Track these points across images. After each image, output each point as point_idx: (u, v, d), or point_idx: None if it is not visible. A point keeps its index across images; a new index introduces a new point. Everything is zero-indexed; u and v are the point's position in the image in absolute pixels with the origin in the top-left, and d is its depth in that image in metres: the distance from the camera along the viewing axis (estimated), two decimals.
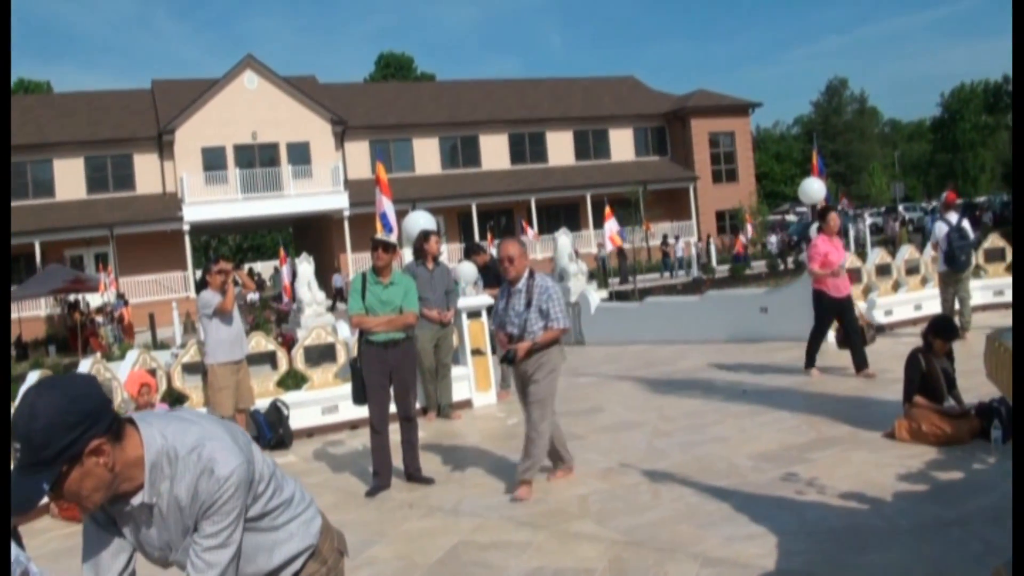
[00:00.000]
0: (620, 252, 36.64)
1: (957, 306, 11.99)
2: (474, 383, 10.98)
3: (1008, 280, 14.29)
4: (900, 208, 50.38)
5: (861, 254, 15.84)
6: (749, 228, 43.51)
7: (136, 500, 2.22)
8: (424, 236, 9.97)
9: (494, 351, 11.38)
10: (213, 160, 40.45)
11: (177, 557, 2.34)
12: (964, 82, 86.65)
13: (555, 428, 6.89)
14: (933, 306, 12.77)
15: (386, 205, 12.75)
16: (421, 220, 11.10)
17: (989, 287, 14.46)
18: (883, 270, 14.09)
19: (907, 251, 14.86)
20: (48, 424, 2.00)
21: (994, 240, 15.16)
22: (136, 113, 41.60)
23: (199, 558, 2.25)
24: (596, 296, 17.89)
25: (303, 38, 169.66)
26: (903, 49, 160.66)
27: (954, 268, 11.74)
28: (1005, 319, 12.50)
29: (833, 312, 10.30)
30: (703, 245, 42.77)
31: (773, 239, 42.59)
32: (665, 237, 42.55)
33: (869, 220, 45.93)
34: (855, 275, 13.65)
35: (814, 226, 13.41)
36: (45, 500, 7.12)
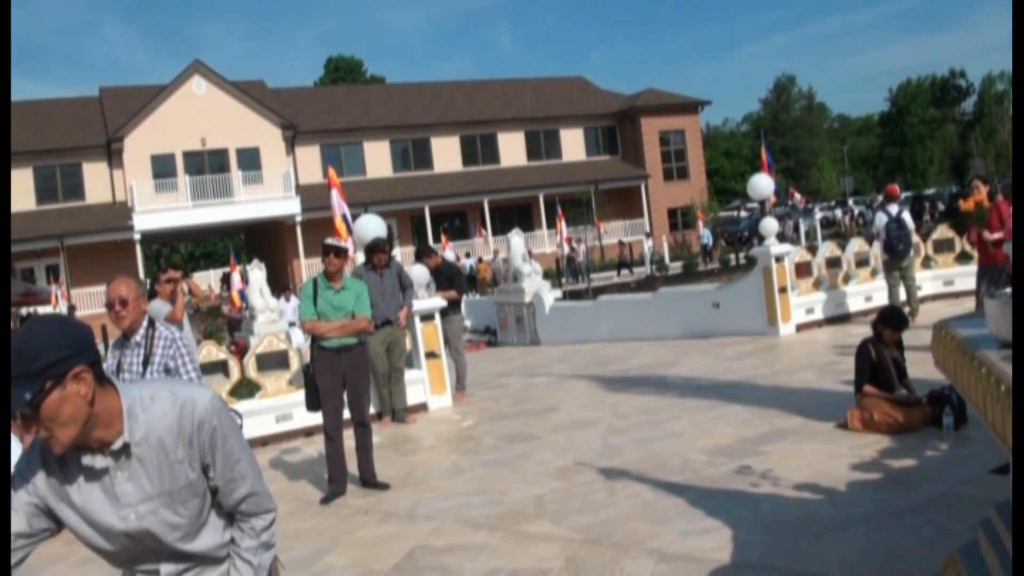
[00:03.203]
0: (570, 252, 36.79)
1: (904, 295, 12.31)
2: (429, 386, 10.91)
3: (956, 270, 14.58)
4: (850, 202, 50.97)
5: (811, 248, 15.97)
6: (701, 225, 43.80)
7: (116, 444, 2.23)
8: (371, 248, 9.89)
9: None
10: (162, 167, 39.93)
11: (146, 524, 2.30)
12: (911, 77, 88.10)
13: None
14: (883, 297, 12.93)
15: (345, 208, 12.73)
16: (371, 224, 10.99)
17: (939, 277, 14.67)
18: (833, 263, 14.23)
19: (856, 244, 15.03)
20: (40, 340, 2.11)
21: (943, 231, 15.38)
22: (84, 121, 40.95)
23: (235, 483, 2.40)
24: (550, 296, 17.91)
25: (252, 42, 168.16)
26: (850, 46, 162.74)
27: (893, 257, 12.27)
28: (954, 308, 12.73)
29: None
30: (655, 243, 42.95)
31: (706, 231, 42.85)
32: (620, 242, 42.62)
33: (820, 214, 46.39)
34: (806, 269, 13.80)
35: (765, 219, 13.55)
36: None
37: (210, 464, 2.35)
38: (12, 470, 2.34)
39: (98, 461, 2.25)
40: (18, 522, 2.24)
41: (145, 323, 5.03)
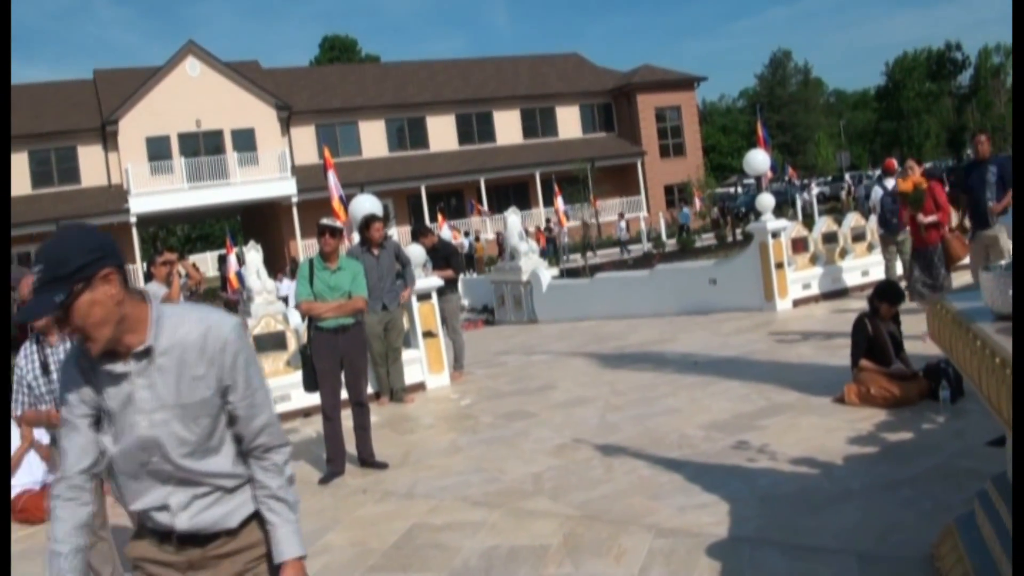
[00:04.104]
0: (549, 233, 36.67)
1: (900, 270, 12.27)
2: (427, 365, 10.91)
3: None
4: (847, 176, 50.92)
5: (808, 224, 15.98)
6: (697, 201, 43.77)
7: (140, 347, 2.32)
8: (366, 223, 9.80)
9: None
10: (158, 150, 39.82)
11: (157, 432, 2.35)
12: (907, 51, 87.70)
13: None
14: (880, 272, 12.91)
15: (340, 189, 12.73)
16: (367, 204, 10.95)
17: None
18: (829, 238, 14.23)
19: (852, 219, 15.00)
20: (67, 245, 2.23)
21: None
22: (79, 104, 40.77)
23: (256, 409, 2.49)
24: (547, 274, 17.90)
25: (246, 22, 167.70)
26: (846, 19, 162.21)
27: (888, 231, 12.14)
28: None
29: None
30: (652, 220, 42.97)
31: (684, 211, 43.06)
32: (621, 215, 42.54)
33: (816, 189, 46.36)
34: (802, 244, 13.80)
35: (762, 195, 13.53)
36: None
37: (231, 386, 2.43)
38: (58, 390, 2.57)
39: (119, 367, 2.33)
40: (86, 435, 2.41)
41: None
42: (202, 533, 2.44)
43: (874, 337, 7.28)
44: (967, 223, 9.96)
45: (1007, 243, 9.52)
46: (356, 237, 10.61)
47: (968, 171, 10.21)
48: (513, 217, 18.04)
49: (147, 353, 2.33)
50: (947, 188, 13.46)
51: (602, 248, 40.57)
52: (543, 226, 37.56)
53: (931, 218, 9.69)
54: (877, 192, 12.50)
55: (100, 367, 2.34)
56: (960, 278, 10.94)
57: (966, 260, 10.47)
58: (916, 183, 9.70)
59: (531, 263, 17.76)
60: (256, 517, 2.54)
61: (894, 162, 13.71)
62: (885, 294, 7.50)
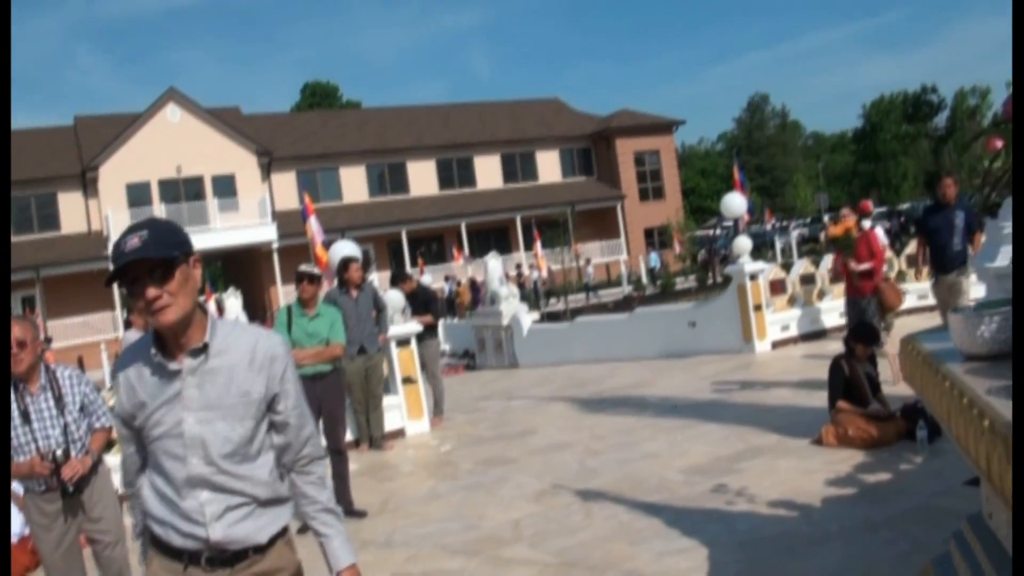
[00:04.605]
0: (519, 277, 36.60)
1: None
2: (406, 412, 10.86)
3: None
4: (825, 218, 51.22)
5: (787, 265, 16.06)
6: (677, 244, 43.96)
7: (198, 343, 2.46)
8: (343, 264, 9.79)
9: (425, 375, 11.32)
10: (138, 196, 39.76)
11: (200, 431, 2.46)
12: (884, 94, 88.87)
13: None
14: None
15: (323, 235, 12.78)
16: (346, 249, 10.96)
17: (913, 291, 14.70)
18: (807, 279, 14.30)
19: (830, 260, 15.07)
20: (172, 226, 2.50)
21: (915, 246, 15.44)
22: (59, 151, 40.72)
23: (304, 419, 2.69)
24: (528, 318, 17.90)
25: (227, 69, 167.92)
26: (823, 64, 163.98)
27: None
28: (928, 321, 12.77)
29: None
30: (632, 263, 43.11)
31: (653, 255, 43.53)
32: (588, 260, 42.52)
33: (796, 231, 46.68)
34: (780, 286, 13.86)
35: (739, 238, 13.61)
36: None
37: (280, 395, 2.58)
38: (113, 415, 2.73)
39: (173, 364, 2.46)
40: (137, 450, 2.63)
41: (42, 366, 4.84)
42: (232, 547, 2.49)
43: (851, 378, 7.31)
44: (922, 265, 9.79)
45: (967, 286, 9.46)
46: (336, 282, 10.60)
47: (929, 213, 9.98)
48: (493, 262, 18.07)
49: (203, 350, 2.46)
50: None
51: (581, 292, 40.61)
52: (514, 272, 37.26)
53: (865, 266, 9.36)
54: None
55: (155, 362, 2.47)
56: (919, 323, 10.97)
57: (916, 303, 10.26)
58: (847, 228, 9.50)
59: (512, 307, 17.76)
60: (284, 535, 2.64)
61: (869, 204, 13.85)
62: (860, 335, 7.55)
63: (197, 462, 2.45)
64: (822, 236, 46.94)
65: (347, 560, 2.70)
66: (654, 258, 42.21)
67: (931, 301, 14.21)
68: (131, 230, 2.39)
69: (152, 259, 2.34)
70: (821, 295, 14.31)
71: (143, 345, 2.52)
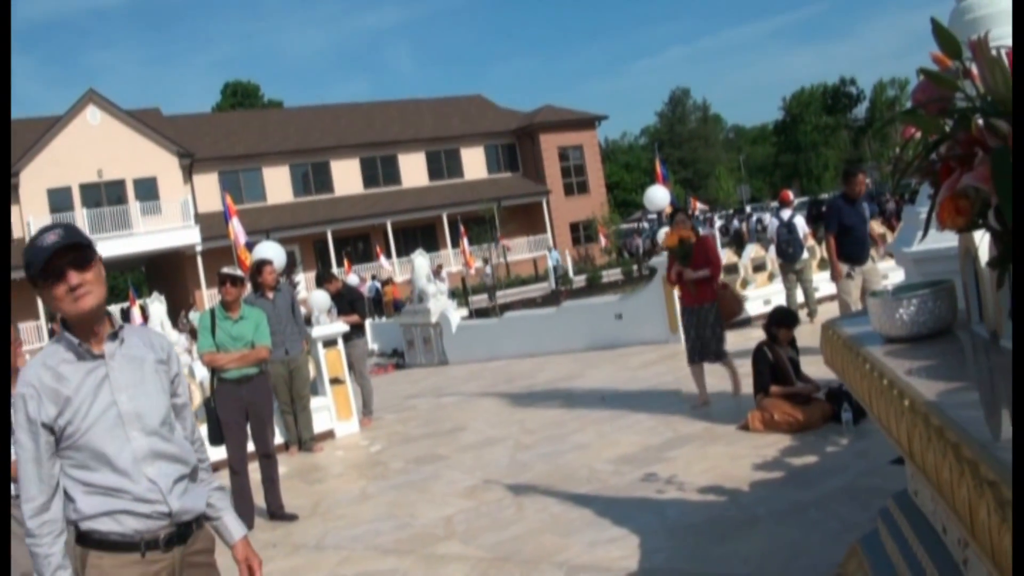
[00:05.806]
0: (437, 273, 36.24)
1: (801, 297, 12.62)
2: (335, 413, 10.76)
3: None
4: (748, 208, 52.07)
5: None
6: (603, 238, 44.21)
7: (112, 329, 2.67)
8: (257, 268, 9.68)
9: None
10: (60, 201, 38.66)
11: (136, 405, 2.63)
12: (804, 86, 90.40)
13: None
14: (782, 300, 13.16)
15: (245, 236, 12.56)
16: (270, 251, 10.83)
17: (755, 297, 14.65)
18: (731, 269, 14.48)
19: (753, 250, 15.31)
20: (76, 226, 2.68)
21: (827, 244, 15.65)
22: None
23: (187, 409, 2.88)
24: (456, 315, 17.86)
25: (147, 70, 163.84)
26: (744, 58, 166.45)
27: (785, 260, 12.45)
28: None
29: None
30: (560, 257, 43.19)
31: (638, 241, 43.55)
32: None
33: (719, 222, 47.28)
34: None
35: (662, 230, 13.72)
36: None
37: (178, 376, 2.84)
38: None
39: (95, 349, 2.62)
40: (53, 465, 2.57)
41: None
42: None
43: (776, 363, 7.42)
44: (838, 263, 9.82)
45: (880, 272, 9.81)
46: None
47: (842, 210, 9.96)
48: (420, 259, 17.99)
49: (117, 335, 2.66)
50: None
51: (511, 287, 40.53)
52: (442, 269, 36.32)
53: (700, 273, 8.81)
54: (773, 223, 12.81)
55: (80, 350, 2.59)
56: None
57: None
58: (682, 237, 9.00)
59: (440, 304, 17.70)
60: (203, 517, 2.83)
61: (789, 193, 14.10)
62: (781, 320, 7.68)
63: (138, 435, 2.59)
64: (743, 227, 47.81)
65: (241, 531, 2.92)
66: (554, 256, 41.70)
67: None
68: (44, 231, 2.56)
69: (77, 245, 2.52)
70: (745, 284, 14.51)
71: (48, 353, 2.64)
